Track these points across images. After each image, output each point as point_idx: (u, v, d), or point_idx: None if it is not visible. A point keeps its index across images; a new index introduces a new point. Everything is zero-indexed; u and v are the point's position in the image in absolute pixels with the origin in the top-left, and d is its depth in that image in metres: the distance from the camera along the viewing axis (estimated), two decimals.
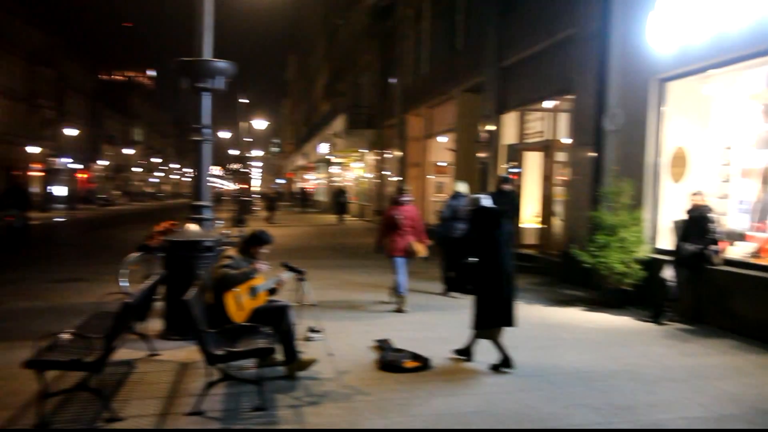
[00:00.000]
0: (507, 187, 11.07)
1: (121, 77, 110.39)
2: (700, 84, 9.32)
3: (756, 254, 8.15)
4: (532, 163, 14.45)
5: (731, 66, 8.50)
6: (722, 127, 9.46)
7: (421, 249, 9.17)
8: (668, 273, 8.20)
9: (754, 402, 5.26)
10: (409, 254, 9.04)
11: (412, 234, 9.11)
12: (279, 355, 5.99)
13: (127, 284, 9.71)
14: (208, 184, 7.98)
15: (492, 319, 6.19)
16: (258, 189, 67.71)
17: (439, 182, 21.78)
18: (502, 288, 6.13)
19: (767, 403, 5.25)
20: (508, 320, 6.19)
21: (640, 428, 4.23)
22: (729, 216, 9.06)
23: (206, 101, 7.67)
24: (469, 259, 6.28)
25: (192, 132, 7.79)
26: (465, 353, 6.45)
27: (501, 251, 6.20)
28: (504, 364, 6.12)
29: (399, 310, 8.94)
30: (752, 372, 6.12)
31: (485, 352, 6.33)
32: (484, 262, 6.20)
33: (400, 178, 24.05)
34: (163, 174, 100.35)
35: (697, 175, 9.51)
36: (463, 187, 10.72)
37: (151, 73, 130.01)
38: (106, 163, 66.82)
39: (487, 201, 6.52)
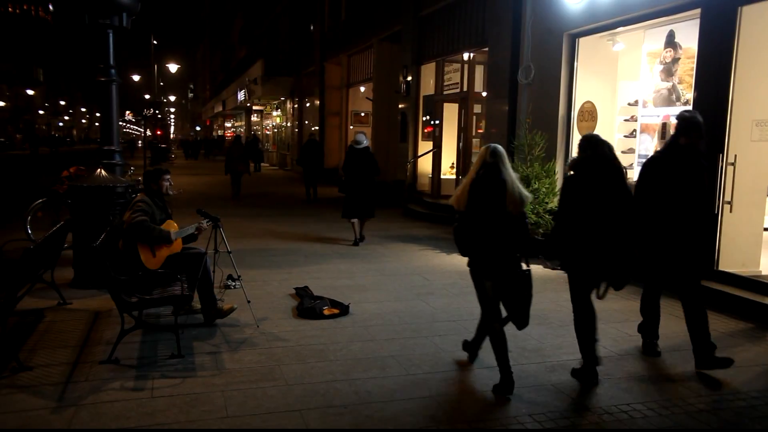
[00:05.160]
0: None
1: (15, 10, 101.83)
2: (608, 41, 9.64)
3: None
4: (450, 114, 14.60)
5: (635, 24, 8.82)
6: (627, 83, 9.87)
7: (244, 169, 17.28)
8: None
9: None
10: (241, 172, 17.00)
11: (241, 162, 17.13)
12: (197, 303, 5.93)
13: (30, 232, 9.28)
14: (117, 127, 7.66)
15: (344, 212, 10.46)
16: (174, 136, 65.43)
17: (359, 132, 21.63)
18: (348, 200, 10.33)
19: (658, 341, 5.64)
20: (349, 215, 10.38)
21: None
22: (633, 170, 9.50)
23: (110, 39, 7.30)
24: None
25: (97, 72, 7.42)
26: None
27: (350, 179, 10.40)
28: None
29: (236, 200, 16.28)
30: None
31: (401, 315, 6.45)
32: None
33: (316, 128, 23.82)
34: (69, 118, 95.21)
35: (605, 129, 9.89)
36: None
37: (51, 7, 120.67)
38: (2, 104, 62.60)
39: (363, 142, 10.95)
